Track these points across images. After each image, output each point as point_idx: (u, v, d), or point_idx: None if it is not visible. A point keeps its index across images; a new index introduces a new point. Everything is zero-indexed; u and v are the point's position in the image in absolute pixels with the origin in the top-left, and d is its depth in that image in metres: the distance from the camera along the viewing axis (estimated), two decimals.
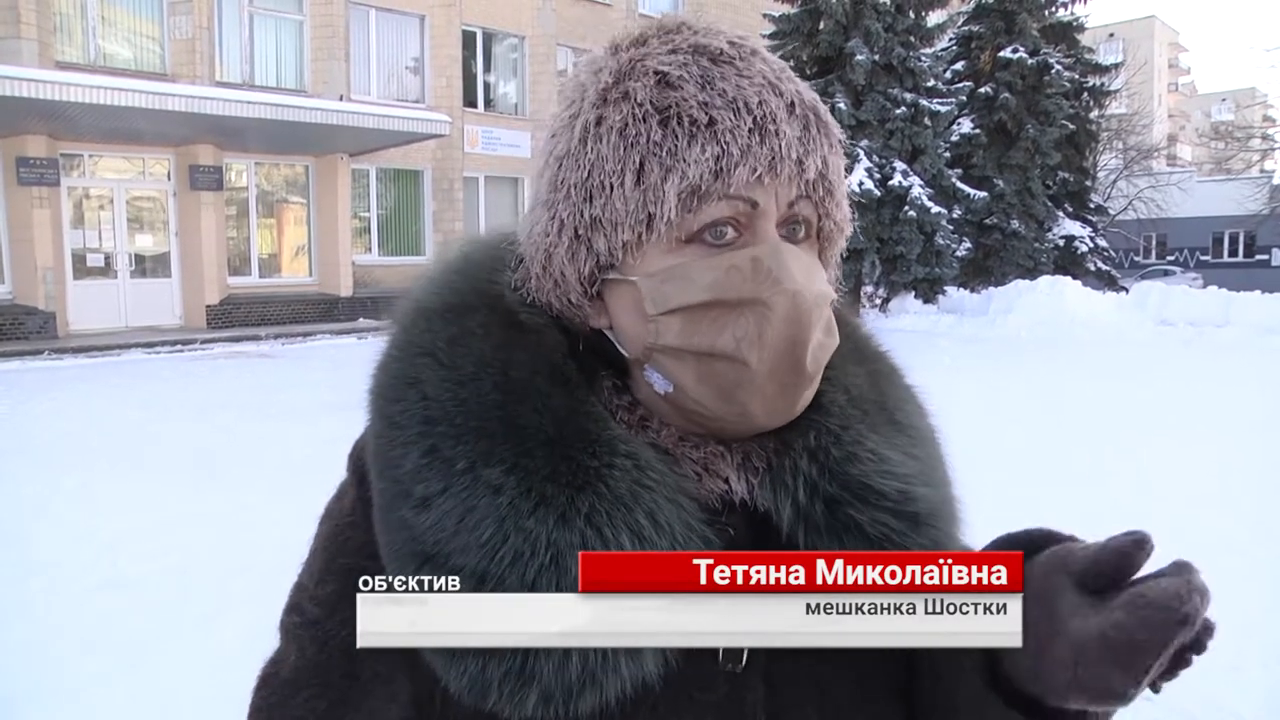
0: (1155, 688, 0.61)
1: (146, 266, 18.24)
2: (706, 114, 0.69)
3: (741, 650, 0.70)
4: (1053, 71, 23.21)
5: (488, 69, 24.07)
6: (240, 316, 18.37)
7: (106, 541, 5.28)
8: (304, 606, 0.79)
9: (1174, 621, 0.57)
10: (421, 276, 0.84)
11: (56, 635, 4.10)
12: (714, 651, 0.70)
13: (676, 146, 0.69)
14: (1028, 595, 0.64)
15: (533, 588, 0.65)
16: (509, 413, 0.70)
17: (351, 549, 0.76)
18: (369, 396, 0.76)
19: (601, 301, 0.76)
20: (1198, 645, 0.60)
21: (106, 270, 17.63)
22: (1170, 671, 0.61)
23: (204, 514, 5.78)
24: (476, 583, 0.66)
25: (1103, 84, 27.35)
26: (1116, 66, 28.79)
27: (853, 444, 0.76)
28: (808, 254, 0.74)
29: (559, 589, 0.65)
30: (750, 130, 0.69)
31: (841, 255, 0.82)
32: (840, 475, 0.74)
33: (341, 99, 18.85)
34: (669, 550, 0.67)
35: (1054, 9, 25.26)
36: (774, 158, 0.69)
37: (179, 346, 15.90)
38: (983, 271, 23.49)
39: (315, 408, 8.88)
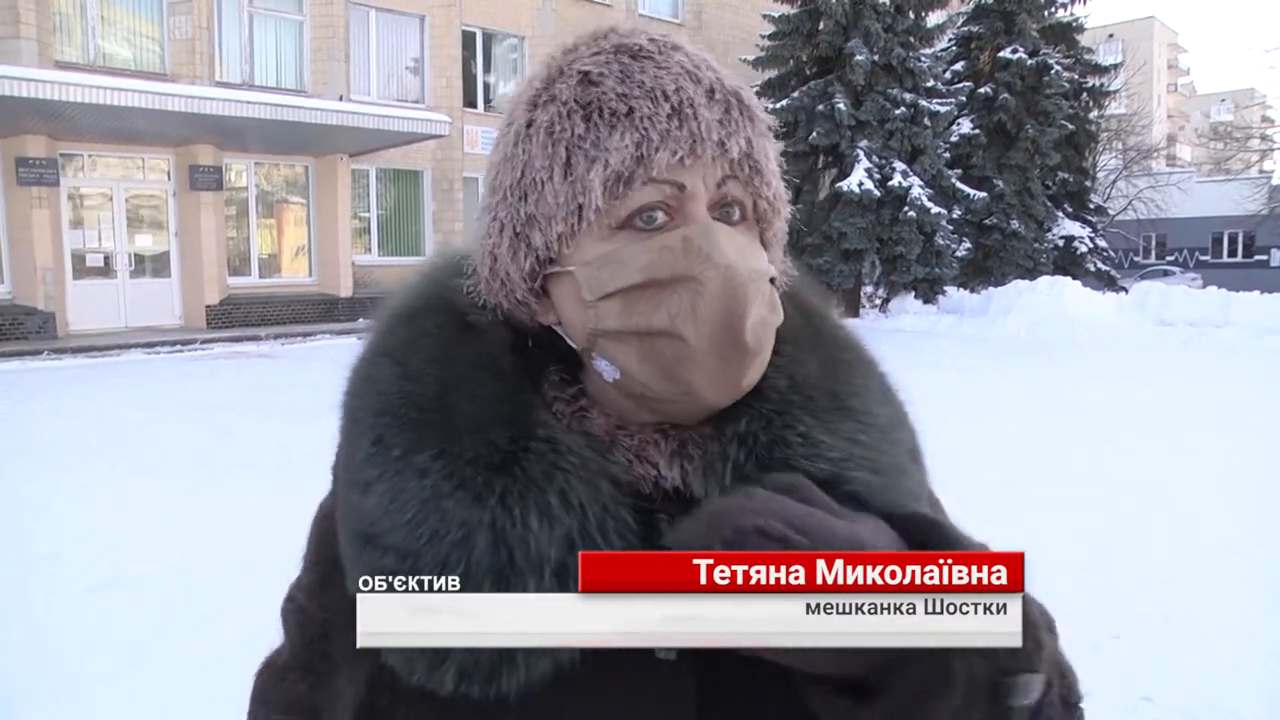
0: None
1: (146, 267, 18.25)
2: (626, 104, 0.72)
3: None
4: (1052, 72, 23.24)
5: (488, 69, 24.07)
6: (240, 317, 18.37)
7: (106, 541, 5.28)
8: (295, 595, 0.86)
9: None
10: (401, 283, 0.88)
11: (56, 635, 4.10)
12: None
13: (599, 137, 0.72)
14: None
15: (445, 564, 0.68)
16: (445, 403, 0.74)
17: (330, 539, 0.80)
18: (341, 397, 0.81)
19: (548, 298, 0.78)
20: None
21: (106, 270, 17.64)
22: None
23: (204, 514, 5.79)
24: (400, 559, 0.69)
25: (1102, 84, 27.39)
26: (1116, 67, 28.82)
27: (782, 428, 0.77)
28: (744, 234, 0.75)
29: (467, 565, 0.68)
30: (669, 115, 0.71)
31: (785, 239, 0.83)
32: (764, 459, 0.75)
33: (341, 99, 18.84)
34: (578, 527, 0.70)
35: (1053, 9, 25.31)
36: (694, 140, 0.71)
37: (179, 347, 15.90)
38: (982, 272, 23.51)
39: (315, 408, 8.80)
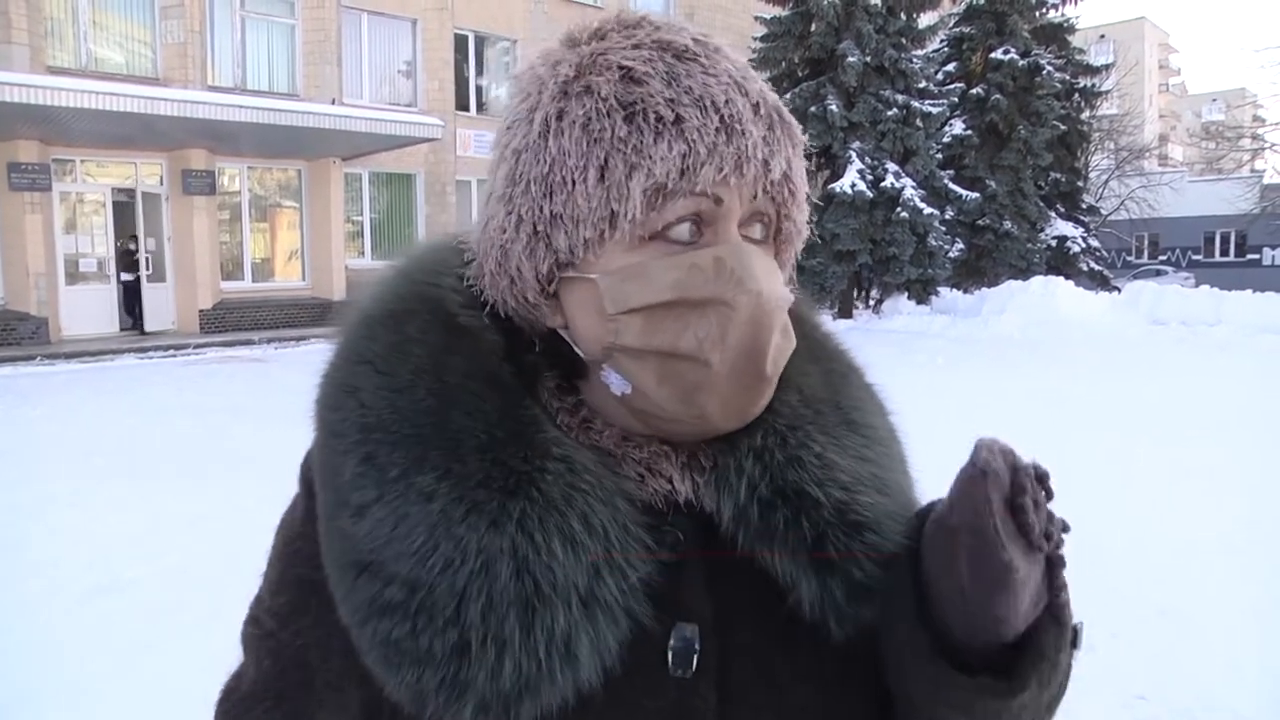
0: (1052, 555, 0.64)
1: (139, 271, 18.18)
2: (673, 111, 0.67)
3: (691, 656, 0.70)
4: (1044, 73, 23.28)
5: (480, 72, 24.08)
6: (233, 321, 18.34)
7: (101, 545, 5.27)
8: (261, 618, 0.79)
9: (973, 476, 0.61)
10: (369, 283, 0.82)
11: (52, 639, 4.09)
12: (663, 657, 0.70)
13: (642, 143, 0.67)
14: (926, 555, 0.67)
15: (463, 595, 0.64)
16: (442, 419, 0.69)
17: (302, 560, 0.76)
18: (314, 406, 0.76)
19: (557, 300, 0.74)
20: (1032, 491, 0.63)
21: (99, 275, 17.60)
22: (1046, 534, 0.64)
23: (198, 518, 5.77)
24: (409, 591, 0.65)
25: (1094, 85, 27.47)
26: (1107, 67, 28.93)
27: (798, 446, 0.75)
28: (767, 255, 0.73)
29: (489, 596, 0.64)
30: (717, 129, 0.67)
31: (797, 257, 0.81)
32: (778, 479, 0.74)
33: (334, 103, 18.83)
34: (602, 551, 0.67)
35: (1044, 10, 25.37)
36: (740, 157, 0.68)
37: (172, 351, 15.86)
38: (975, 272, 23.55)
39: (308, 412, 8.84)
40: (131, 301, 18.13)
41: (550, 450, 0.69)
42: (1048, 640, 0.65)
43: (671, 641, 0.70)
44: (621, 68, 0.69)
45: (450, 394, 0.71)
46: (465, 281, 0.77)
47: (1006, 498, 0.61)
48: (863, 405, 0.83)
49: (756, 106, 0.70)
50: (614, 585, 0.67)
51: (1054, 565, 0.65)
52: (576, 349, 0.74)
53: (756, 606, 0.74)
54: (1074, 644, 0.68)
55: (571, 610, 0.65)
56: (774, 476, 0.74)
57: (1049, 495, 0.64)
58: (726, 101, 0.68)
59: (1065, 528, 0.65)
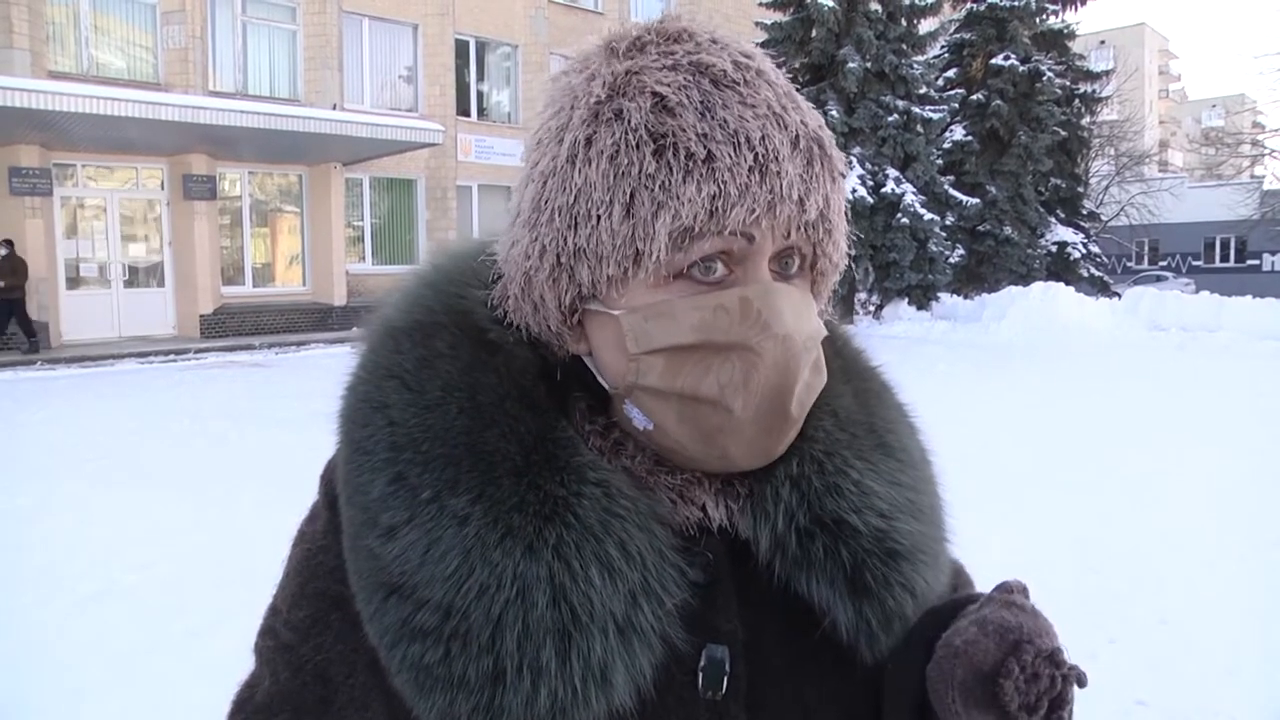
0: None
1: (139, 276, 18.22)
2: (705, 147, 0.64)
3: (721, 677, 0.69)
4: (1044, 78, 23.29)
5: (481, 78, 24.11)
6: (234, 326, 18.34)
7: (100, 551, 5.26)
8: (278, 630, 0.78)
9: (953, 647, 0.66)
10: (392, 291, 0.81)
11: (49, 645, 4.08)
12: (693, 679, 0.69)
13: (670, 181, 0.64)
14: (933, 698, 0.69)
15: (499, 622, 0.63)
16: (475, 439, 0.68)
17: (324, 573, 0.75)
18: (338, 419, 0.74)
19: (582, 328, 0.72)
20: (1031, 667, 0.65)
21: (100, 280, 17.61)
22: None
23: (197, 524, 5.76)
24: (443, 617, 0.64)
25: (1094, 90, 27.47)
26: (1107, 73, 28.88)
27: (835, 474, 0.74)
28: (799, 290, 0.71)
29: (525, 624, 0.63)
30: (750, 169, 0.64)
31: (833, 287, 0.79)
32: (816, 507, 0.73)
33: (335, 108, 18.87)
34: (639, 580, 0.66)
35: (1045, 16, 25.36)
36: (773, 198, 0.65)
37: (172, 356, 15.86)
38: (976, 278, 23.56)
39: (309, 417, 8.78)
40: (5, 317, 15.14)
41: (586, 475, 0.68)
42: None
43: (702, 663, 0.69)
44: (655, 94, 0.66)
45: (483, 413, 0.69)
46: (490, 302, 0.75)
47: (989, 669, 0.65)
48: (895, 427, 0.82)
49: (796, 140, 0.67)
50: (650, 612, 0.66)
51: None
52: (600, 379, 0.73)
53: (787, 630, 0.73)
54: None
55: (609, 638, 0.64)
56: (812, 505, 0.73)
57: (1063, 672, 0.66)
58: (763, 138, 0.65)
59: (1080, 679, 0.67)
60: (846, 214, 0.75)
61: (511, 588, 0.64)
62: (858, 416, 0.79)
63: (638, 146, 0.65)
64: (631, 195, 0.65)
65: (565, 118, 0.70)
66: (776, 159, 0.65)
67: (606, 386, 0.72)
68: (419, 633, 0.64)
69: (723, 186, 0.64)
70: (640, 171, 0.65)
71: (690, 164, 0.64)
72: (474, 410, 0.69)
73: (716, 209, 0.64)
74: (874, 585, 0.72)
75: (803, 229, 0.68)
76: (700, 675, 0.69)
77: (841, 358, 0.84)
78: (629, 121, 0.66)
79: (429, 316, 0.75)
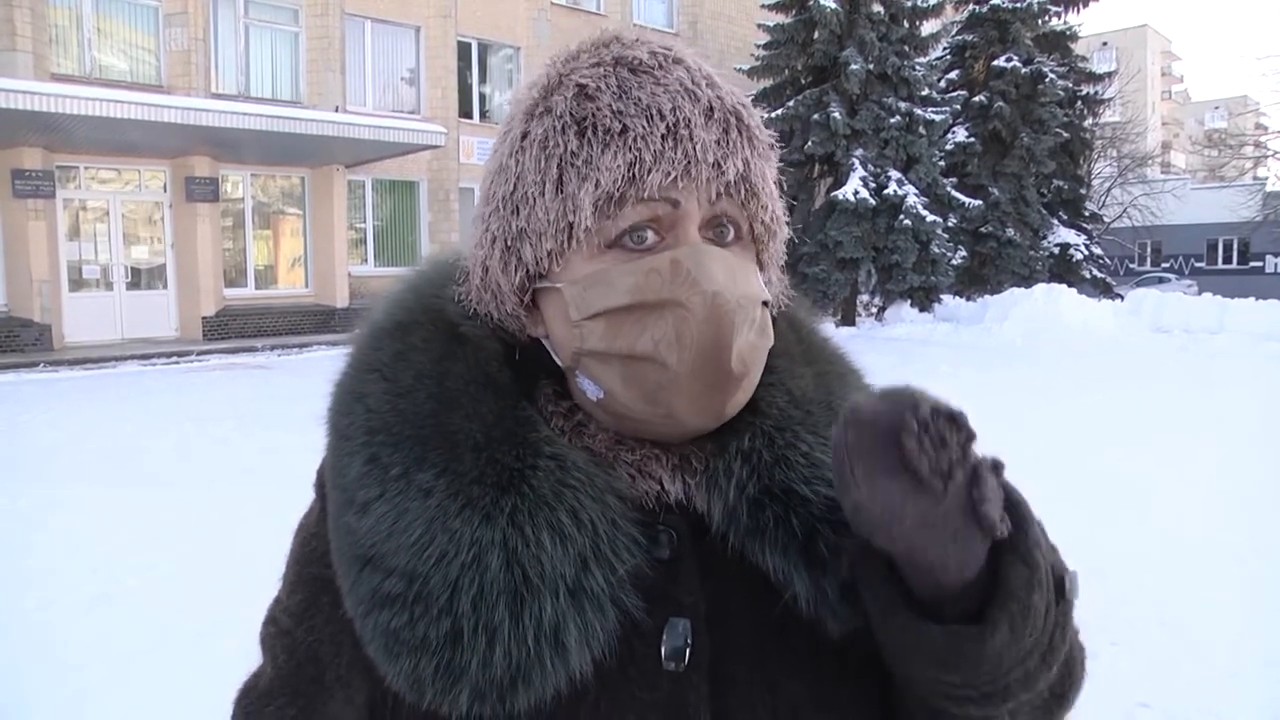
0: (993, 529, 0.63)
1: (142, 279, 18.24)
2: (620, 122, 0.70)
3: (684, 649, 0.71)
4: (1046, 80, 23.29)
5: (483, 80, 24.13)
6: (236, 328, 18.35)
7: (102, 554, 5.27)
8: (278, 618, 0.82)
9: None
10: (380, 296, 0.86)
11: (53, 647, 4.09)
12: (656, 650, 0.71)
13: (591, 155, 0.70)
14: (835, 479, 0.67)
15: (455, 585, 0.67)
16: (442, 420, 0.73)
17: (315, 559, 0.79)
18: (326, 413, 0.79)
19: (538, 311, 0.78)
20: (923, 429, 0.62)
21: (102, 282, 17.64)
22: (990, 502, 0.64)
23: (200, 526, 5.77)
24: (407, 583, 0.68)
25: (1096, 92, 27.49)
26: (1110, 75, 28.88)
27: (786, 446, 0.77)
28: (737, 256, 0.74)
29: (480, 586, 0.67)
30: (663, 136, 0.70)
31: (783, 259, 0.82)
32: (765, 478, 0.75)
33: (337, 110, 18.87)
34: (590, 544, 0.69)
35: (1047, 18, 25.36)
36: (689, 161, 0.70)
37: (175, 359, 15.88)
38: (978, 280, 23.54)
39: (311, 419, 8.73)
40: None
41: (542, 449, 0.72)
42: (1016, 580, 0.64)
43: (664, 635, 0.72)
44: (578, 85, 0.73)
45: (450, 397, 0.74)
46: (456, 299, 0.81)
47: (883, 435, 0.62)
48: None
49: (710, 110, 0.72)
50: (601, 577, 0.69)
51: (977, 505, 0.63)
52: (556, 357, 0.77)
53: (751, 603, 0.75)
54: (1062, 593, 0.67)
55: (559, 600, 0.68)
56: (761, 476, 0.76)
57: (966, 435, 0.64)
58: (674, 109, 0.71)
59: (996, 466, 0.66)
60: (782, 186, 0.79)
61: (468, 552, 0.68)
62: (815, 395, 0.82)
63: (563, 130, 0.72)
64: (559, 174, 0.71)
65: (509, 124, 0.78)
66: (688, 125, 0.71)
67: (560, 363, 0.77)
68: (387, 599, 0.69)
69: (638, 154, 0.69)
70: (565, 151, 0.71)
71: (608, 138, 0.70)
72: (441, 395, 0.74)
73: (635, 175, 0.69)
74: (827, 555, 0.73)
75: (726, 193, 0.72)
76: (663, 648, 0.71)
77: (805, 343, 0.87)
78: (555, 111, 0.73)
79: (408, 316, 0.81)
